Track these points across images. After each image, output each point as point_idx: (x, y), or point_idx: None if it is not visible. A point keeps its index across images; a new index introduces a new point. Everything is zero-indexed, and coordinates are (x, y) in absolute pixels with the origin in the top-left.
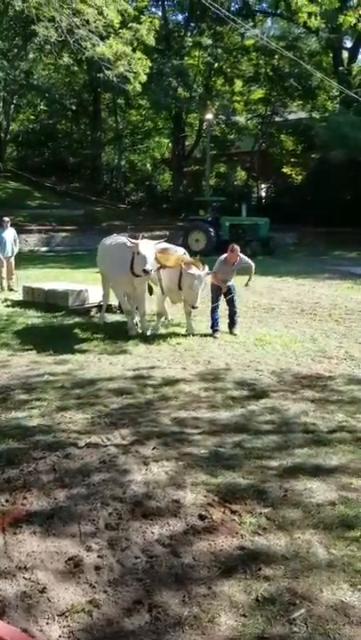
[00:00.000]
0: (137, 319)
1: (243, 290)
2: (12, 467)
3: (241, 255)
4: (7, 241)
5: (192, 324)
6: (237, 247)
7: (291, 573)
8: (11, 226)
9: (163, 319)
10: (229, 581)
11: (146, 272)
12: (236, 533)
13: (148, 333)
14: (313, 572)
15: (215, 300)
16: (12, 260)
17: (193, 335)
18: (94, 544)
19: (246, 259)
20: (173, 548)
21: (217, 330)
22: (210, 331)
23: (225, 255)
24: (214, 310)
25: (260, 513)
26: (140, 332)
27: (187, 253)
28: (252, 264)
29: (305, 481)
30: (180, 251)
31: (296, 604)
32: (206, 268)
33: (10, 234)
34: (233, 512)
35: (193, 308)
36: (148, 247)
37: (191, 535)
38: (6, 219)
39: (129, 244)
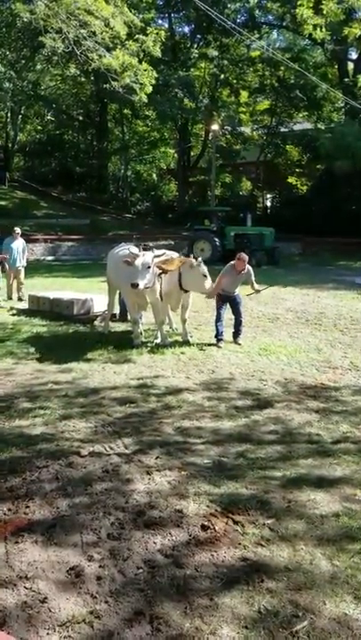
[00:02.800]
0: (141, 329)
1: (247, 299)
2: (15, 475)
3: (250, 268)
4: (16, 251)
5: (187, 331)
6: (245, 256)
7: (293, 585)
8: (20, 236)
9: (168, 327)
10: (231, 593)
11: (133, 286)
12: (239, 544)
13: (158, 341)
14: (316, 585)
15: (219, 309)
16: (22, 270)
17: (193, 343)
18: (96, 554)
19: (252, 277)
20: (175, 559)
21: (221, 339)
22: (214, 340)
23: (233, 262)
24: (219, 320)
25: (263, 524)
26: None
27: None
28: (255, 284)
29: (308, 492)
30: (174, 255)
31: (299, 617)
32: (200, 259)
33: (19, 244)
34: (236, 523)
35: (208, 296)
36: (142, 259)
37: (193, 546)
38: (17, 230)
39: (130, 259)
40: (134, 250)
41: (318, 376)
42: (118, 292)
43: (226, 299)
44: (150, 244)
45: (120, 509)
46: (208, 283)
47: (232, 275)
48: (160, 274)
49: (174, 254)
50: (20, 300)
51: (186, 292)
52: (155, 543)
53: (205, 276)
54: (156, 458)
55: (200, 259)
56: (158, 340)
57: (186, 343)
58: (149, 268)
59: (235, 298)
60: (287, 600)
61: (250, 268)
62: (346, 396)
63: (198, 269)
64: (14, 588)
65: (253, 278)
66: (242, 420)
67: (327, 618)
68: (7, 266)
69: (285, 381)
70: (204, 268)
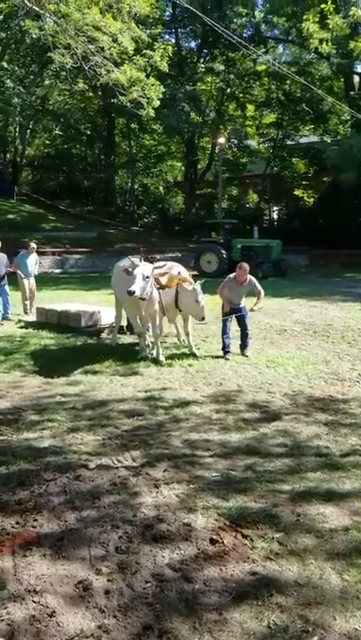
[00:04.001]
0: (148, 341)
1: (255, 311)
2: (23, 488)
3: (252, 278)
4: (31, 266)
5: (193, 344)
6: (247, 266)
7: (303, 600)
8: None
9: (176, 339)
10: (241, 608)
11: (129, 293)
12: (248, 558)
13: (161, 358)
14: (326, 600)
15: (225, 321)
16: (34, 284)
17: (197, 356)
18: (104, 567)
19: (258, 284)
20: (184, 573)
21: (228, 351)
22: (221, 352)
23: (234, 274)
24: (225, 332)
25: (273, 538)
26: (154, 354)
27: (181, 272)
28: (262, 291)
29: (318, 506)
30: (176, 269)
31: (309, 632)
32: (197, 283)
33: (33, 259)
34: (244, 537)
35: (202, 320)
36: (141, 269)
37: (202, 560)
38: (33, 245)
39: (130, 269)
40: (135, 260)
41: (326, 388)
42: None
43: (232, 311)
44: (157, 257)
45: (128, 523)
46: (202, 309)
47: (234, 286)
48: (159, 288)
49: (179, 268)
50: (25, 312)
51: (180, 310)
52: (163, 557)
53: (198, 302)
54: (164, 471)
55: (198, 284)
56: (154, 354)
57: (193, 355)
58: (148, 278)
59: (240, 309)
60: (297, 615)
61: (252, 278)
62: (354, 408)
63: (192, 294)
64: (22, 601)
65: (260, 288)
66: (250, 432)
67: (337, 633)
68: (23, 281)
69: (293, 394)
70: (200, 295)
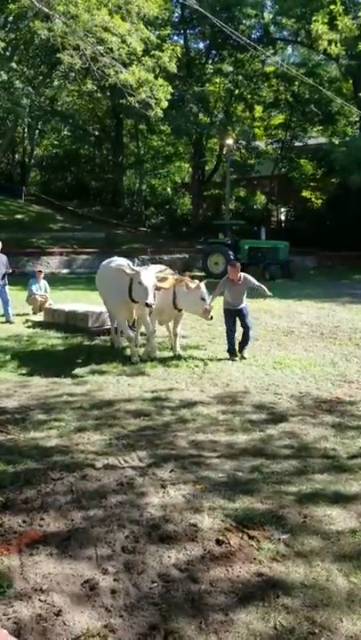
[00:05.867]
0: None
1: (262, 313)
2: (30, 487)
3: (246, 275)
4: (41, 289)
5: (178, 346)
6: (238, 263)
7: (310, 602)
8: (43, 278)
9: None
10: (247, 609)
11: (148, 305)
12: (254, 559)
13: (156, 355)
14: (332, 602)
15: (226, 322)
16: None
17: (181, 356)
18: (110, 567)
19: (253, 280)
20: (190, 573)
21: (233, 352)
22: (227, 354)
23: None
24: (229, 334)
25: (279, 539)
26: (149, 356)
27: (175, 273)
28: (262, 285)
29: (325, 507)
30: (168, 270)
31: (315, 634)
32: (200, 282)
33: (42, 286)
34: (251, 538)
35: (210, 319)
36: (150, 277)
37: (208, 560)
38: (39, 270)
39: (128, 270)
40: (129, 262)
41: (333, 390)
42: None
43: (233, 312)
44: (146, 257)
45: (135, 523)
46: (206, 306)
47: (229, 286)
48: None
49: (168, 270)
50: (34, 313)
51: (179, 310)
52: (169, 557)
53: (204, 299)
54: (171, 471)
55: (202, 282)
56: (148, 350)
57: (177, 358)
58: (153, 285)
59: (241, 310)
60: (303, 617)
61: (246, 275)
62: None
63: (198, 292)
64: (29, 600)
65: (257, 283)
66: (257, 433)
67: (344, 635)
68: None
69: (300, 395)
70: (204, 292)
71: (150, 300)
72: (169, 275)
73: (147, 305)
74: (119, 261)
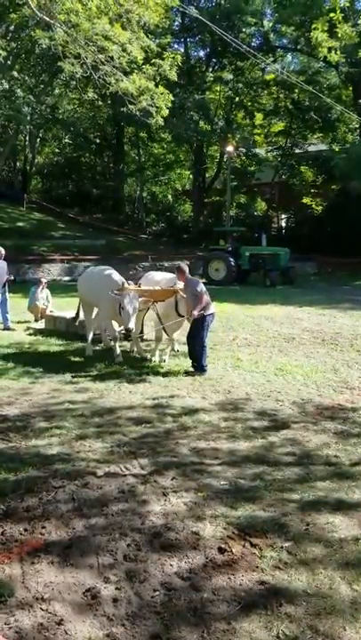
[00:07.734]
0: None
1: (263, 319)
2: (32, 495)
3: (192, 278)
4: (42, 299)
5: (176, 345)
6: (185, 267)
7: (313, 610)
8: (47, 287)
9: (172, 348)
10: (250, 617)
11: (128, 330)
12: (257, 567)
13: (157, 359)
14: (336, 610)
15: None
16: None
17: (162, 361)
18: (112, 576)
19: (199, 288)
20: (192, 582)
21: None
22: (227, 362)
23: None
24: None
25: (281, 547)
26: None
27: (161, 282)
28: (201, 297)
29: (327, 515)
30: (166, 277)
31: None
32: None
33: (44, 295)
34: (253, 545)
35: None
36: (133, 302)
37: (210, 569)
38: (43, 280)
39: (112, 295)
40: (117, 277)
41: (335, 397)
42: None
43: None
44: (141, 267)
45: (136, 531)
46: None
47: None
48: (153, 302)
49: (167, 275)
50: (36, 320)
51: (182, 316)
52: (171, 565)
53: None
54: (172, 479)
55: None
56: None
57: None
58: (136, 307)
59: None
60: (306, 625)
61: (199, 288)
62: None
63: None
64: (30, 609)
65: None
66: (258, 440)
67: None
68: (36, 303)
69: (302, 402)
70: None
71: (131, 325)
72: (172, 282)
73: (126, 330)
74: (108, 271)
